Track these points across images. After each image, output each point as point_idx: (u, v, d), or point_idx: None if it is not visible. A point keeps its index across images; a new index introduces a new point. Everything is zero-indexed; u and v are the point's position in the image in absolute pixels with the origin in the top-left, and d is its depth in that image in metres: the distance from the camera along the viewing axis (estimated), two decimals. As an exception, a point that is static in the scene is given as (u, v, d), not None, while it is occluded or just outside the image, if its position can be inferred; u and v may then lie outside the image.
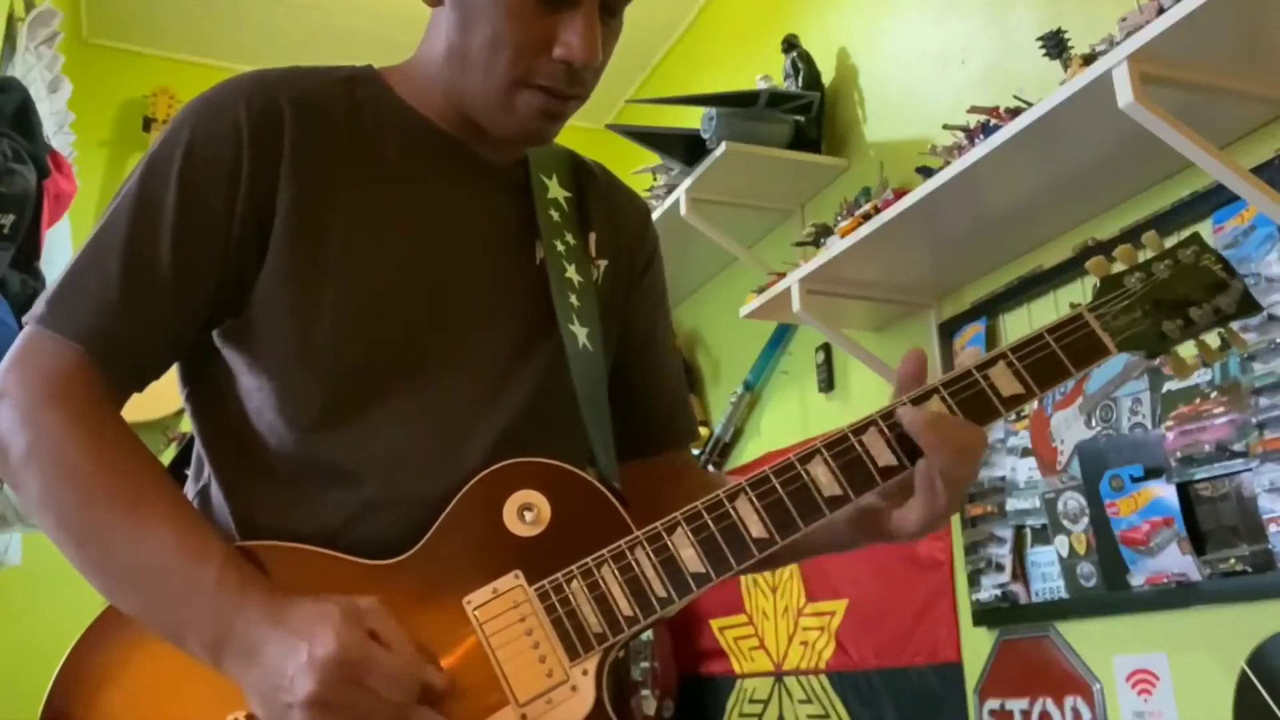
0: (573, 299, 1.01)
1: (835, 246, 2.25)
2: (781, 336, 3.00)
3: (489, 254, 0.99)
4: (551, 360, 0.99)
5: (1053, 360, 0.95)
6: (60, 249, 2.36)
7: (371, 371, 0.92)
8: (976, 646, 2.21)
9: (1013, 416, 2.14)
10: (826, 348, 2.80)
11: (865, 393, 2.63)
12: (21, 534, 2.59)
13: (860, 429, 0.93)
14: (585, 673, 0.86)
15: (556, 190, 1.06)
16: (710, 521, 0.91)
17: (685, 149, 2.75)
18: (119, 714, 0.85)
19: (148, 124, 3.74)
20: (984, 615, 2.18)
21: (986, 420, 0.94)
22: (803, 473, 0.92)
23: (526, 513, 0.90)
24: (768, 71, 2.89)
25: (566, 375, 0.99)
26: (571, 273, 1.02)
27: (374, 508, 0.90)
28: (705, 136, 2.67)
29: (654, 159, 2.94)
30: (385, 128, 0.98)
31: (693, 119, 2.72)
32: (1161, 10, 1.52)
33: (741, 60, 3.19)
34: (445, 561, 0.89)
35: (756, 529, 0.90)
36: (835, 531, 0.97)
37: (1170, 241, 1.02)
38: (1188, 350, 1.00)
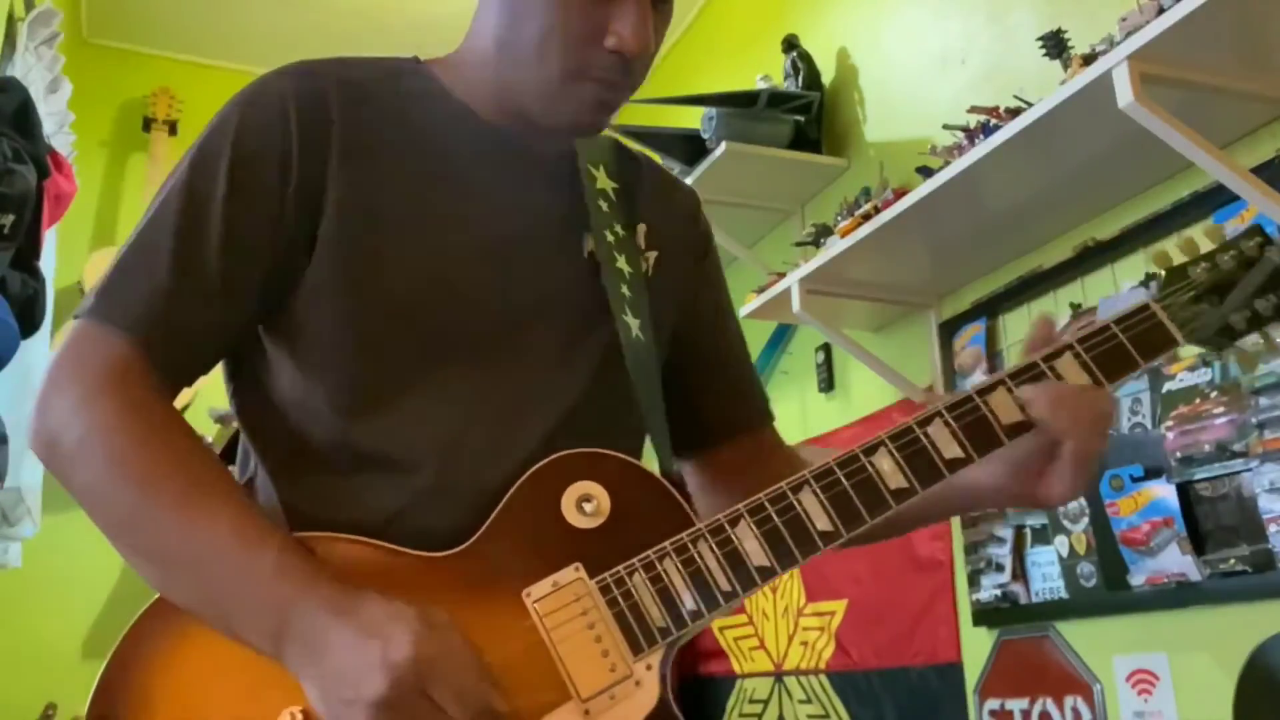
0: (624, 290, 0.99)
1: (835, 246, 2.25)
2: (781, 336, 3.00)
3: (538, 246, 0.98)
4: (604, 352, 0.98)
5: (1120, 352, 0.94)
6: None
7: (421, 362, 0.91)
8: (976, 646, 2.21)
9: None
10: (826, 348, 2.80)
11: (865, 393, 2.63)
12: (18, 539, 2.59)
13: (925, 420, 0.92)
14: (649, 667, 0.85)
15: (605, 181, 1.04)
16: (774, 514, 0.89)
17: (685, 149, 2.75)
18: (169, 708, 0.84)
19: (148, 124, 3.74)
20: (984, 615, 2.18)
21: None
22: (867, 464, 0.91)
23: (586, 504, 0.88)
24: (768, 71, 2.89)
25: (620, 366, 0.98)
26: (622, 263, 1.01)
27: (425, 498, 0.89)
28: (705, 136, 2.67)
29: (654, 159, 2.94)
30: (432, 119, 0.97)
31: (693, 119, 2.72)
32: (1161, 10, 1.52)
33: (741, 60, 3.20)
34: (503, 554, 0.87)
35: (822, 522, 0.89)
36: (974, 492, 0.97)
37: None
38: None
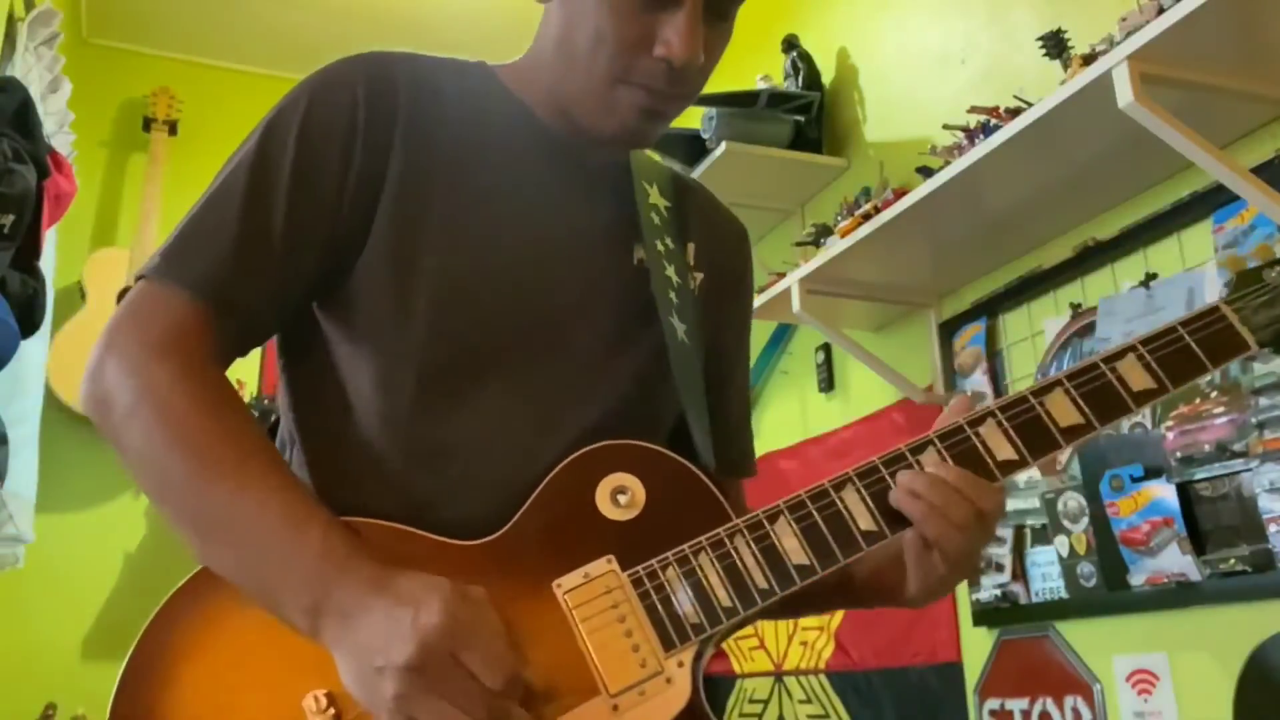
0: (671, 295, 1.00)
1: (835, 246, 2.25)
2: (781, 336, 3.00)
3: (588, 248, 0.99)
4: (650, 355, 0.98)
5: (1186, 354, 0.92)
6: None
7: (467, 352, 0.92)
8: (976, 646, 2.21)
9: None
10: (826, 348, 2.80)
11: (865, 392, 2.63)
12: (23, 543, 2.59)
13: (977, 420, 0.91)
14: (680, 665, 0.83)
15: (657, 197, 1.06)
16: (815, 511, 0.87)
17: (685, 149, 2.75)
18: (198, 684, 0.84)
19: (148, 124, 3.74)
20: (984, 615, 2.18)
21: (1115, 415, 0.90)
22: (914, 463, 0.89)
23: (620, 496, 0.87)
24: (768, 71, 2.89)
25: (664, 371, 0.98)
26: (670, 272, 1.01)
27: (462, 487, 0.89)
28: (705, 136, 2.67)
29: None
30: (493, 118, 0.99)
31: (693, 119, 2.72)
32: (1161, 10, 1.52)
33: (741, 60, 3.19)
34: (535, 543, 0.86)
35: (865, 521, 0.87)
36: (857, 587, 0.96)
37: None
38: None
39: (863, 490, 0.88)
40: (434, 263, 0.91)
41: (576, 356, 0.95)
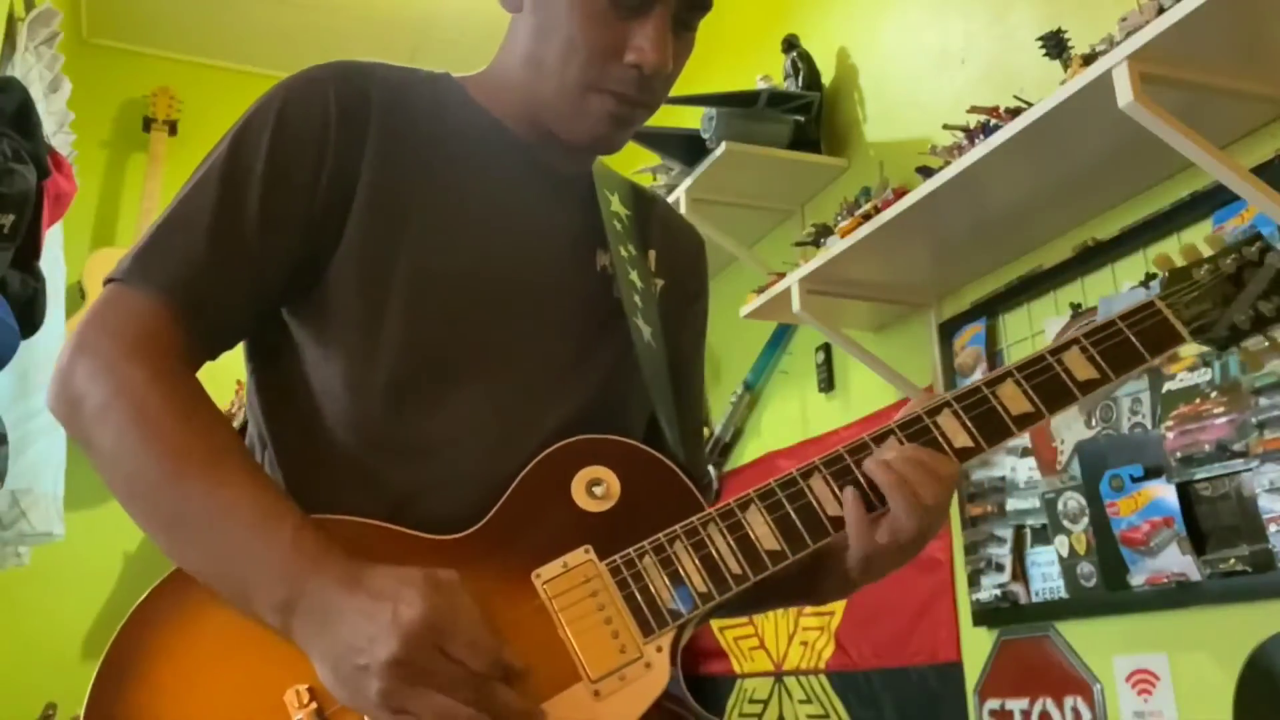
0: (637, 300, 1.03)
1: (835, 246, 2.25)
2: (781, 336, 3.00)
3: (553, 254, 1.01)
4: (618, 357, 1.00)
5: (1126, 346, 0.97)
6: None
7: (440, 353, 0.93)
8: (976, 646, 2.21)
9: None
10: (826, 348, 2.80)
11: (865, 393, 2.63)
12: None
13: (935, 410, 0.94)
14: (659, 650, 0.85)
15: (618, 205, 1.09)
16: (784, 499, 0.91)
17: (685, 149, 2.75)
18: (177, 683, 0.84)
19: (147, 124, 3.75)
20: (984, 615, 2.18)
21: (1063, 404, 0.94)
22: (875, 451, 0.92)
23: (595, 488, 0.90)
24: (768, 71, 2.89)
25: (631, 372, 1.00)
26: (634, 277, 1.04)
27: (437, 486, 0.90)
28: (705, 136, 2.67)
29: (654, 159, 2.94)
30: (463, 127, 1.01)
31: (693, 119, 2.72)
32: (1161, 10, 1.52)
33: (741, 60, 3.19)
34: (513, 536, 0.88)
35: (832, 508, 0.91)
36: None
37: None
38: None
39: (829, 478, 0.92)
40: (407, 265, 0.93)
41: (548, 358, 0.97)
